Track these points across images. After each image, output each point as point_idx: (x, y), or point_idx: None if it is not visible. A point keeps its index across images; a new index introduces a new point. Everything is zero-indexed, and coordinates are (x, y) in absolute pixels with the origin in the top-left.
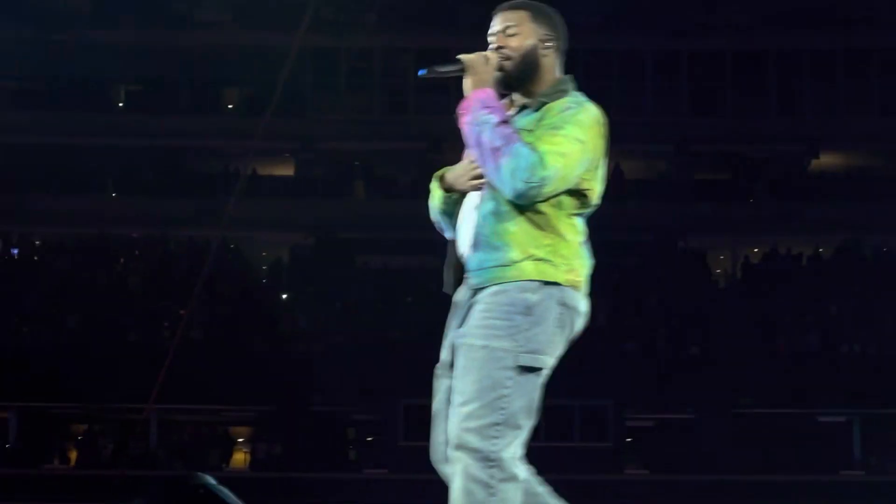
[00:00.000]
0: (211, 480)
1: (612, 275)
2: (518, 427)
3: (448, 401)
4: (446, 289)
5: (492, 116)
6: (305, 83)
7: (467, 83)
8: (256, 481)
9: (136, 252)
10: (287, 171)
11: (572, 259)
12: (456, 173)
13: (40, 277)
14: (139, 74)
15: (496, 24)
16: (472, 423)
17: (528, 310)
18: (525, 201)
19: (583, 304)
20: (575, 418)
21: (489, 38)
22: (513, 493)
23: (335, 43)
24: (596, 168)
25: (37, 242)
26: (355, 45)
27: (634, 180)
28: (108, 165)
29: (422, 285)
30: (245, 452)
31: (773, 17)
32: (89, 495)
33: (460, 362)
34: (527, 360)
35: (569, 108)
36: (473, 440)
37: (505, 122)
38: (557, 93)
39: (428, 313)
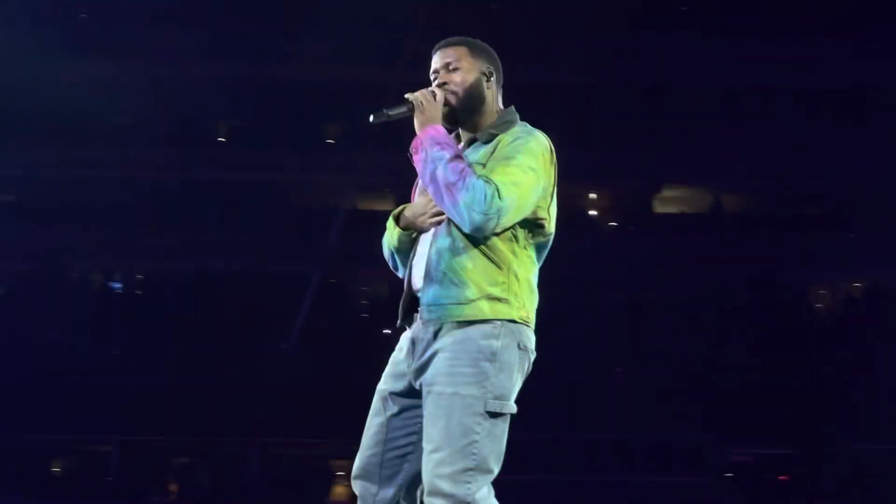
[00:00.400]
0: None
1: (711, 308)
2: (489, 471)
3: (387, 424)
4: (399, 323)
5: (444, 153)
6: (404, 118)
7: (417, 121)
8: None
9: (237, 286)
10: (387, 205)
11: (523, 296)
12: (415, 211)
13: (142, 312)
14: (241, 109)
15: (437, 61)
16: (445, 469)
17: (493, 356)
18: (483, 233)
19: (533, 341)
20: (673, 452)
21: (431, 76)
22: None
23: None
24: (549, 196)
25: (139, 276)
26: None
27: (734, 214)
28: (210, 200)
29: None
30: (345, 486)
31: (870, 51)
32: None
33: (429, 409)
34: (495, 406)
35: (518, 138)
36: (446, 486)
37: (458, 156)
38: (505, 123)
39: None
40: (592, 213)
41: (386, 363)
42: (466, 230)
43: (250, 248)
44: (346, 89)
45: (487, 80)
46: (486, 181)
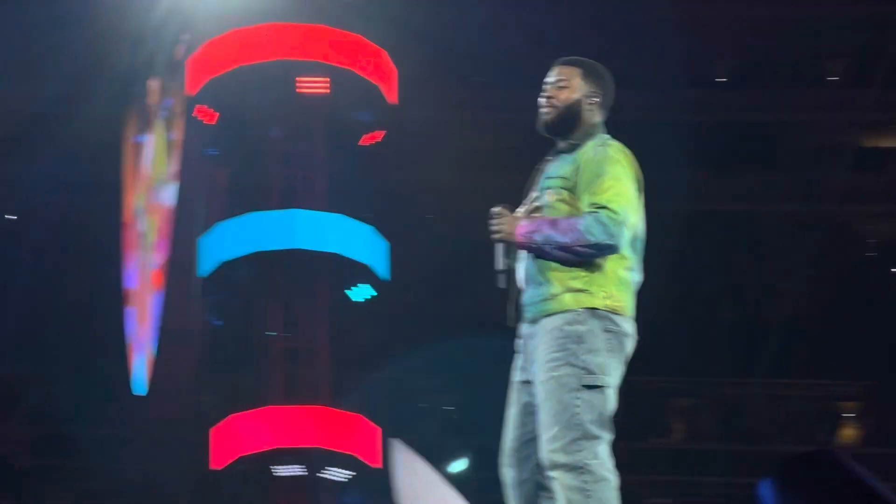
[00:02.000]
0: (846, 457)
1: None
2: (595, 437)
3: (520, 412)
4: (509, 322)
5: (543, 231)
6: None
7: (512, 239)
8: (867, 457)
9: (738, 225)
10: (894, 142)
11: (609, 286)
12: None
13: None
14: (741, 49)
15: (551, 76)
16: (557, 444)
17: (579, 339)
18: (621, 250)
19: (628, 327)
20: None
21: (544, 86)
22: (607, 492)
23: None
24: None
25: None
26: None
27: None
28: (715, 141)
29: None
30: (854, 428)
31: None
32: (693, 469)
33: (537, 399)
34: (588, 380)
35: (597, 152)
36: (560, 458)
37: (550, 222)
38: (587, 136)
39: None
40: None
41: (891, 302)
42: (612, 256)
43: (749, 189)
44: (849, 24)
45: (589, 102)
46: (590, 211)
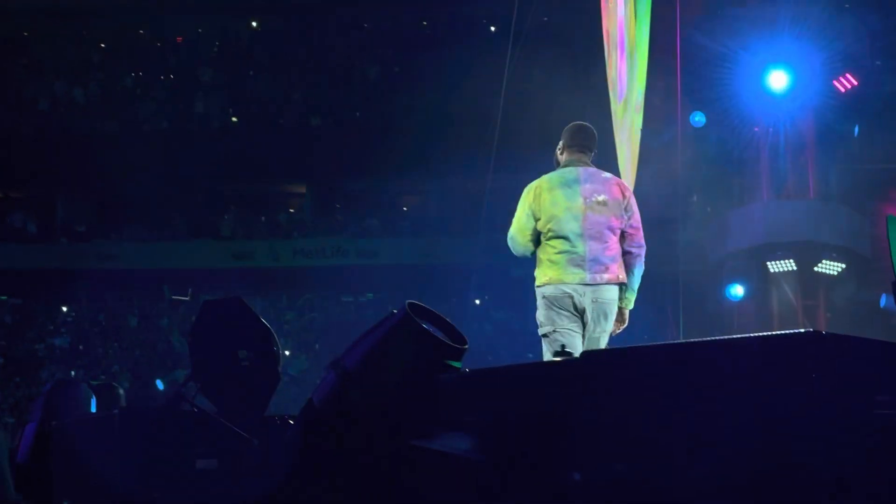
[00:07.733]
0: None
1: None
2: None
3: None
4: None
5: None
6: None
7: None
8: None
9: None
10: None
11: (549, 270)
12: None
13: None
14: None
15: None
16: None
17: (537, 304)
18: (517, 254)
19: (561, 289)
20: None
21: None
22: None
23: None
24: (539, 212)
25: None
26: None
27: None
28: None
29: None
30: None
31: None
32: None
33: None
34: (540, 332)
35: None
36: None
37: None
38: None
39: None
40: None
41: None
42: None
43: None
44: None
45: (561, 151)
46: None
